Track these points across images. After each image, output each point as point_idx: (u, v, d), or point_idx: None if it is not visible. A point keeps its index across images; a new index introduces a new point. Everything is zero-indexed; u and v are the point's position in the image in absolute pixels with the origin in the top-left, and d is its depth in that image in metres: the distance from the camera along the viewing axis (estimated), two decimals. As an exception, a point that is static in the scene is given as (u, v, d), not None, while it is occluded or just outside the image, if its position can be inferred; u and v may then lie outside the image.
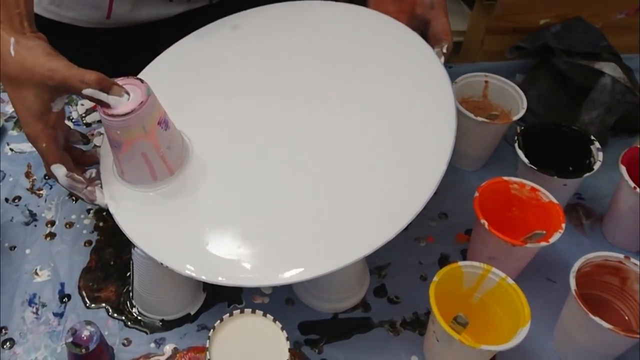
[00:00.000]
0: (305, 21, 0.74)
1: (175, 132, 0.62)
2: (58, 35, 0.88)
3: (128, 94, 0.57)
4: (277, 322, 0.53)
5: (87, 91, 0.55)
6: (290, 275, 0.55)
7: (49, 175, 0.62)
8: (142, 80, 0.58)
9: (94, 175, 0.65)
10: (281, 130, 0.65)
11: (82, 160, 0.66)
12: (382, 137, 0.62)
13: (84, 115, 0.86)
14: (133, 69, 0.72)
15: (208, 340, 0.52)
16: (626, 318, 0.63)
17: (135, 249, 0.59)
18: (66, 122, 0.66)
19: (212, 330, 0.53)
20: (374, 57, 0.68)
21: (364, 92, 0.66)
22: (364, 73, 0.67)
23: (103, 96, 0.56)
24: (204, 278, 0.56)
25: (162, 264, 0.57)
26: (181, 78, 0.72)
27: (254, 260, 0.57)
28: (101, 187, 0.63)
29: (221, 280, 0.56)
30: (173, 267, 0.57)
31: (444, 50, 0.67)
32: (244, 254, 0.57)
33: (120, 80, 0.58)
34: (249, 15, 0.76)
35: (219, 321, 0.53)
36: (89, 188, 0.62)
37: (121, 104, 0.56)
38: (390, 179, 0.59)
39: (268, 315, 0.54)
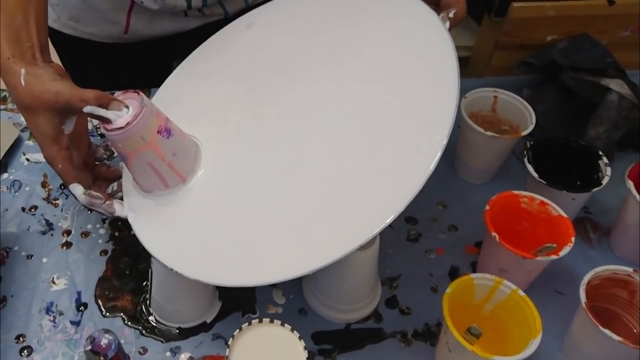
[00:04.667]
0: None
1: (181, 138, 0.63)
2: (77, 50, 0.91)
3: (127, 107, 0.59)
4: (294, 331, 0.55)
5: (87, 108, 0.58)
6: (305, 267, 0.55)
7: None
8: (138, 93, 0.60)
9: (115, 188, 0.67)
10: (291, 128, 0.64)
11: (107, 176, 0.69)
12: (381, 118, 0.60)
13: (98, 126, 0.87)
14: (151, 82, 0.74)
15: (227, 349, 0.53)
16: (634, 330, 0.64)
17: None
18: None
19: (231, 339, 0.54)
20: (376, 26, 0.67)
21: (368, 67, 0.64)
22: (367, 46, 0.66)
23: (102, 112, 0.58)
24: (219, 282, 0.58)
25: (172, 269, 0.59)
26: (197, 84, 0.73)
27: (267, 257, 0.57)
28: (122, 198, 0.65)
29: (239, 282, 0.57)
30: (184, 273, 0.58)
31: (450, 15, 0.64)
32: (256, 253, 0.58)
33: (120, 95, 0.60)
34: (262, 11, 0.76)
35: (238, 330, 0.54)
36: (107, 202, 0.64)
37: (121, 118, 0.58)
38: (386, 164, 0.58)
39: (286, 325, 0.55)
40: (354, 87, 0.64)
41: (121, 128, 0.58)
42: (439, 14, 0.63)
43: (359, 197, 0.57)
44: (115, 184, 0.67)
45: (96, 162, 0.70)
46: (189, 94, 0.72)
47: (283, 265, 0.56)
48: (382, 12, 0.67)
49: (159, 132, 0.60)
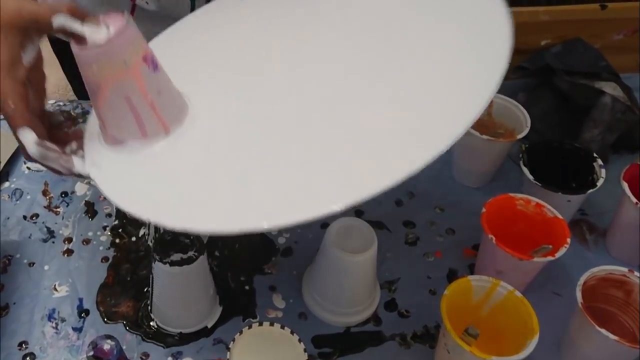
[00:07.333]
0: None
1: (168, 79, 0.54)
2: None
3: (107, 27, 0.49)
4: (294, 334, 0.55)
5: (59, 19, 0.50)
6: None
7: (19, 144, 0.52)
8: (123, 13, 0.50)
9: (74, 147, 0.56)
10: (291, 85, 0.57)
11: (66, 140, 0.57)
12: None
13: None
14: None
15: (228, 352, 0.54)
16: (631, 330, 0.65)
17: (156, 262, 0.61)
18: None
19: (232, 342, 0.54)
20: None
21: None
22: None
23: (76, 25, 0.49)
24: (203, 230, 0.52)
25: (149, 220, 0.49)
26: (190, 43, 0.67)
27: (260, 205, 0.47)
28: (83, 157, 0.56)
29: (229, 228, 0.47)
30: (163, 223, 0.48)
31: None
32: (246, 203, 0.48)
33: (101, 17, 0.51)
34: None
35: (238, 333, 0.55)
36: (64, 157, 0.53)
37: (100, 35, 0.49)
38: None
39: (286, 327, 0.56)
40: (371, 44, 0.56)
41: (102, 45, 0.48)
42: None
43: (365, 153, 0.49)
44: (74, 143, 0.56)
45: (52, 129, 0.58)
46: (179, 53, 0.65)
47: (276, 212, 0.46)
48: None
49: (144, 59, 0.50)
